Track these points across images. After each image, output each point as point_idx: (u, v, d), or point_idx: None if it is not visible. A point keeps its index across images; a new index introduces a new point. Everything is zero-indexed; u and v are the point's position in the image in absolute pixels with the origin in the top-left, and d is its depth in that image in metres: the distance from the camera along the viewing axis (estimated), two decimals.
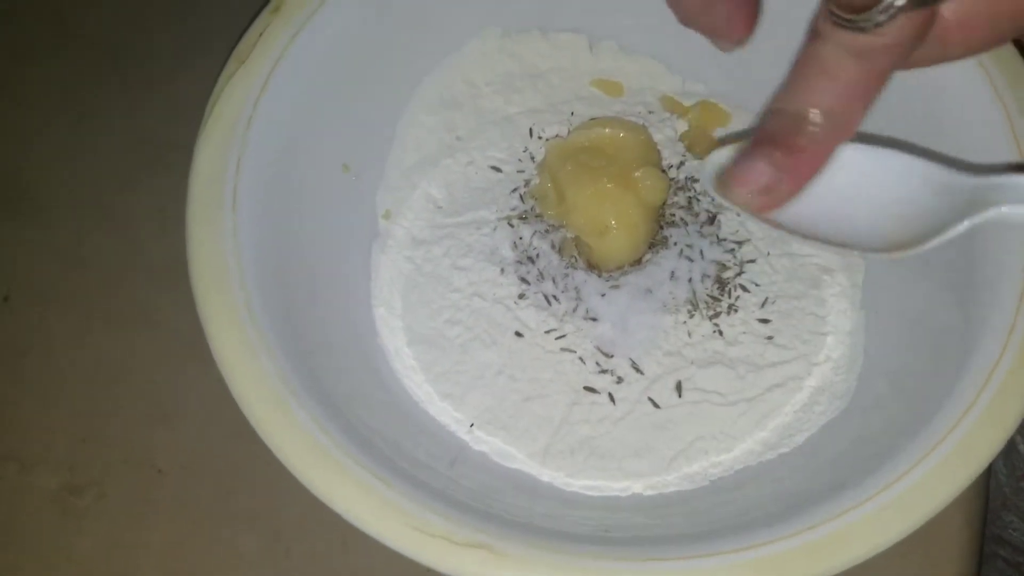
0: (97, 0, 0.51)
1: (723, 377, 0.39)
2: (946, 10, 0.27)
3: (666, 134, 0.44)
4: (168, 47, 0.49)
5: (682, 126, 0.45)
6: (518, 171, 0.44)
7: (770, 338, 0.40)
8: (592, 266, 0.41)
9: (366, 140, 0.42)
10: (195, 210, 0.34)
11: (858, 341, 0.39)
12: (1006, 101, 0.35)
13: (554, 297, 0.41)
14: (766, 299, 0.40)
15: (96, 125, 0.47)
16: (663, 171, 0.42)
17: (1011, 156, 0.34)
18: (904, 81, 0.34)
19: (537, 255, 0.41)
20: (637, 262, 0.41)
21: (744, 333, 0.40)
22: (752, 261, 0.41)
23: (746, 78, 0.44)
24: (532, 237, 0.42)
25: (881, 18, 0.25)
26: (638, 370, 0.39)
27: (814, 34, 0.27)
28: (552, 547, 0.29)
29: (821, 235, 0.32)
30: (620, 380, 0.39)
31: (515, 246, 0.42)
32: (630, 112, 0.45)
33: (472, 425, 0.38)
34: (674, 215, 0.42)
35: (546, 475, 0.37)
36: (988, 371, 0.31)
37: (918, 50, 0.27)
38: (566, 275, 0.41)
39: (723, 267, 0.41)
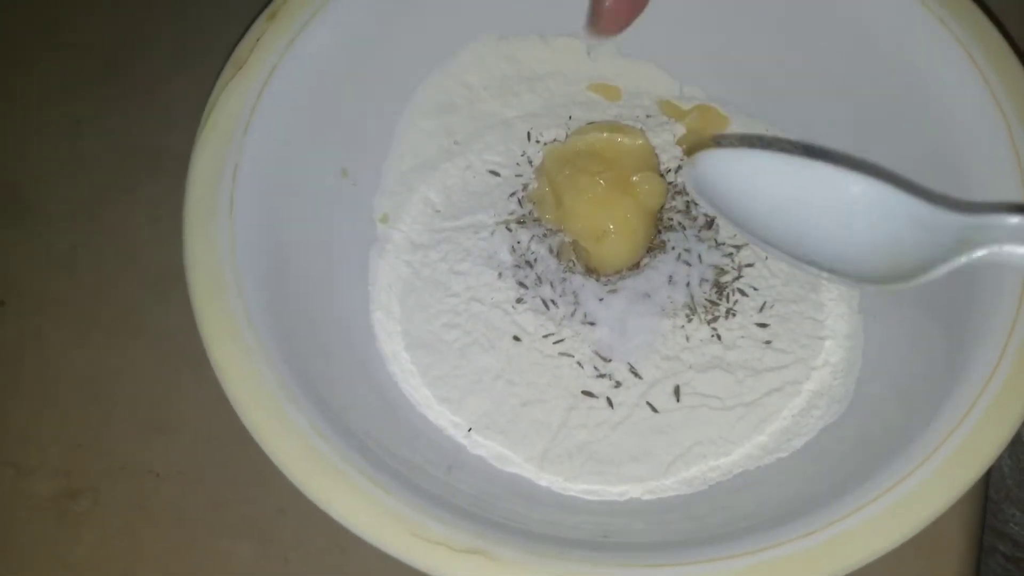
0: (92, 6, 0.50)
1: (721, 381, 0.39)
2: None
3: (664, 138, 0.44)
4: (164, 53, 0.49)
5: (680, 130, 0.44)
6: (516, 175, 0.44)
7: (768, 342, 0.40)
8: (590, 270, 0.41)
9: (363, 145, 0.42)
10: (192, 216, 0.34)
11: (856, 345, 0.39)
12: (1006, 110, 0.35)
13: (552, 301, 0.40)
14: (764, 303, 0.40)
15: (91, 131, 0.47)
16: (661, 175, 0.42)
17: (1011, 168, 0.34)
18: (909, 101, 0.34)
19: (535, 259, 0.41)
20: (635, 266, 0.41)
21: (742, 337, 0.40)
22: (750, 265, 0.41)
23: (744, 82, 0.44)
24: (530, 241, 0.42)
25: None
26: (636, 374, 0.39)
27: None
28: (550, 553, 0.29)
29: (816, 263, 0.32)
30: (618, 384, 0.39)
31: (513, 250, 0.42)
32: (628, 116, 0.45)
33: (470, 429, 0.38)
34: (672, 219, 0.42)
35: (544, 479, 0.37)
36: (988, 374, 0.31)
37: None
38: (564, 279, 0.41)
39: (721, 271, 0.41)
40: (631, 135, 0.42)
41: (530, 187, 0.43)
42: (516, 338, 0.40)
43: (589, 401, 0.39)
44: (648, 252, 0.41)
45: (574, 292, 0.41)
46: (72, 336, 0.42)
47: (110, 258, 0.44)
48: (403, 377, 0.39)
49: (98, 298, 0.43)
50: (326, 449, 0.30)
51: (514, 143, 0.44)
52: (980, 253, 0.29)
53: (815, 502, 0.30)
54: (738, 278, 0.41)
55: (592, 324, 0.40)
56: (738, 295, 0.41)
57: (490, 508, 0.32)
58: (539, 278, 0.41)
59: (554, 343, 0.40)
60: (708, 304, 0.40)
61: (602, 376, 0.39)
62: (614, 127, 0.42)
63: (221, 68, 0.37)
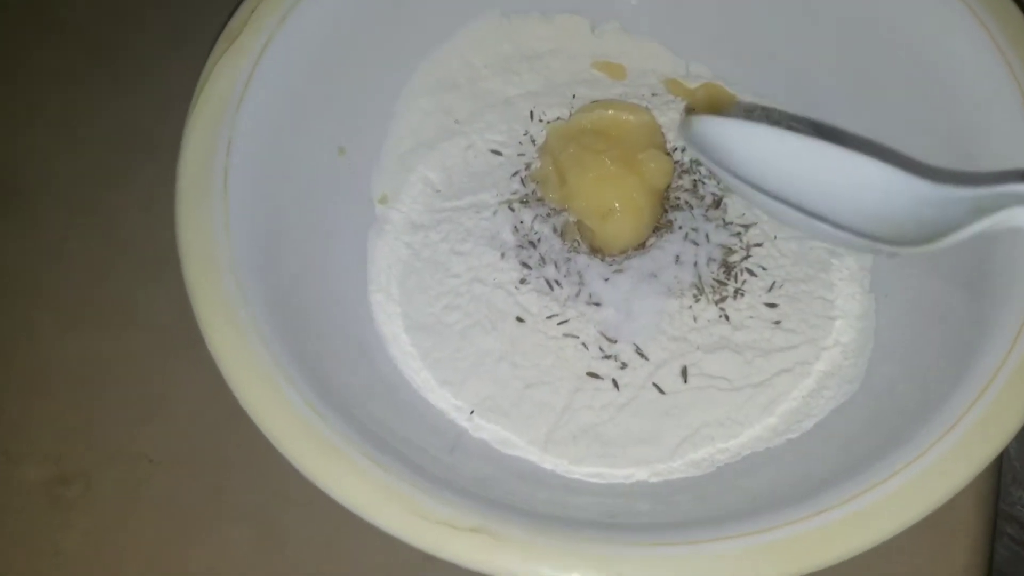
0: None
1: (730, 362, 0.38)
2: None
3: (670, 117, 0.43)
4: (155, 38, 0.48)
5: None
6: (518, 155, 0.43)
7: (777, 322, 0.39)
8: (595, 250, 0.40)
9: (361, 123, 0.41)
10: (185, 193, 0.33)
11: (868, 325, 0.38)
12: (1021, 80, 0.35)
13: (556, 282, 0.40)
14: (773, 283, 0.39)
15: (82, 118, 0.46)
16: (668, 153, 0.42)
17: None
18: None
19: (538, 239, 0.40)
20: (641, 246, 0.40)
21: (751, 318, 0.39)
22: (759, 245, 0.40)
23: (751, 60, 0.43)
24: (533, 221, 0.41)
25: None
26: (642, 355, 0.38)
27: None
28: (555, 532, 0.28)
29: (828, 219, 0.32)
30: (624, 366, 0.38)
31: (516, 230, 0.41)
32: (633, 95, 0.44)
33: (472, 412, 0.37)
34: (679, 198, 0.41)
35: (548, 463, 0.36)
36: (1003, 353, 0.31)
37: None
38: (568, 260, 0.40)
39: (729, 251, 0.40)
40: (637, 113, 0.41)
41: (533, 166, 0.42)
42: (519, 319, 0.39)
43: (594, 383, 0.38)
44: (655, 232, 0.41)
45: (579, 272, 0.40)
46: (64, 322, 0.42)
47: (101, 244, 0.43)
48: (403, 359, 0.38)
49: (90, 284, 0.42)
50: (324, 428, 0.30)
51: (516, 122, 0.43)
52: (993, 219, 0.28)
53: (827, 482, 0.30)
54: (746, 258, 0.40)
55: (597, 305, 0.39)
56: (746, 275, 0.40)
57: (494, 489, 0.32)
58: (543, 258, 0.40)
59: (558, 324, 0.39)
60: (716, 284, 0.39)
61: (607, 357, 0.38)
62: (619, 105, 0.42)
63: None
